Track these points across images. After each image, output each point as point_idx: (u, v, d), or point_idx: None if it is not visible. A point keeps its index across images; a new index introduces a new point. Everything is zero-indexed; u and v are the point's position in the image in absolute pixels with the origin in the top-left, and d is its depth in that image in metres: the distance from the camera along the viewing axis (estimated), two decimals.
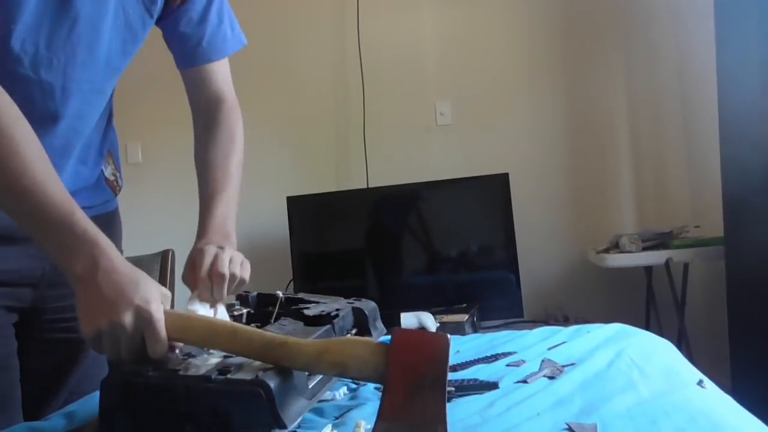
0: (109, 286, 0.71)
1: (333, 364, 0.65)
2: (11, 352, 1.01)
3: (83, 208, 1.04)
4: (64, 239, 0.73)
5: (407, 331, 0.67)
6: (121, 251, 1.21)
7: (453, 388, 0.81)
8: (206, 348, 0.73)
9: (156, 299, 0.72)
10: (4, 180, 0.74)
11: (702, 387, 0.77)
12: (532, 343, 1.09)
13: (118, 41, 0.98)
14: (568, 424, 0.64)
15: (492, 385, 0.84)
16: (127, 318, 0.69)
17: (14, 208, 0.76)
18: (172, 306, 2.05)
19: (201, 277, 0.90)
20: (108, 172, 1.15)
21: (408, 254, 2.76)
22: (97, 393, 0.94)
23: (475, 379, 0.88)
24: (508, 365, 0.96)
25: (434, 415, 0.60)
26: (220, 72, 1.20)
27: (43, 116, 0.92)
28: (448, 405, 0.61)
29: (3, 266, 0.97)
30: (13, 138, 0.74)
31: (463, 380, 0.88)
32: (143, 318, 0.70)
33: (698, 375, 0.83)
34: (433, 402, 0.60)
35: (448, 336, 0.63)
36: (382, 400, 0.62)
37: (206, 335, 0.72)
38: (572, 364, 0.91)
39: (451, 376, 0.78)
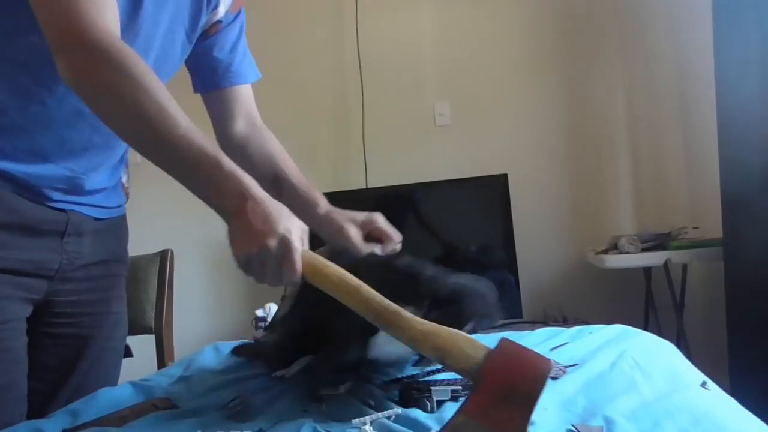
0: (257, 218, 0.78)
1: (435, 347, 0.67)
2: (22, 345, 1.01)
3: (103, 208, 1.06)
4: (215, 179, 0.81)
5: (515, 343, 0.66)
6: (127, 254, 1.26)
7: (460, 387, 0.81)
8: (328, 292, 0.77)
9: (297, 231, 0.79)
10: (160, 134, 0.81)
11: (705, 388, 0.77)
12: (534, 344, 1.09)
13: (163, 62, 1.04)
14: (574, 426, 0.64)
15: None
16: (273, 243, 0.76)
17: (169, 158, 0.83)
18: (172, 310, 2.04)
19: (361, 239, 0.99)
20: (125, 178, 1.19)
21: (407, 254, 2.75)
22: (100, 392, 0.94)
23: None
24: None
25: (515, 429, 0.59)
26: (249, 94, 1.29)
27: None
28: (455, 403, 0.65)
29: (22, 256, 0.98)
30: (158, 95, 0.81)
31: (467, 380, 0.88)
32: (285, 246, 0.76)
33: (701, 376, 0.83)
34: (520, 417, 0.60)
35: (552, 361, 0.63)
36: (469, 397, 0.63)
37: (333, 282, 0.77)
38: (575, 365, 0.91)
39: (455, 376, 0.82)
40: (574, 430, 0.64)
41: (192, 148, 0.82)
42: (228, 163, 0.82)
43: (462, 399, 0.74)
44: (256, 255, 0.78)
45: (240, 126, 1.26)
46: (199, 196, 0.84)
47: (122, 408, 0.85)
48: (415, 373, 0.93)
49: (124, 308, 1.23)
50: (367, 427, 0.70)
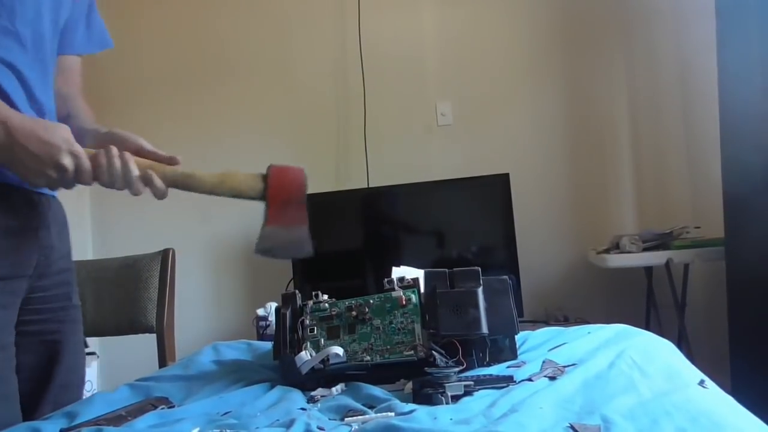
0: (33, 142, 0.85)
1: (231, 188, 0.97)
2: (11, 342, 1.01)
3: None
4: None
5: (277, 166, 0.97)
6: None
7: (472, 382, 0.84)
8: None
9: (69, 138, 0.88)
10: None
11: (703, 387, 0.77)
12: (534, 344, 1.09)
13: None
14: (571, 425, 0.64)
15: (507, 379, 0.87)
16: (66, 160, 0.86)
17: None
18: (173, 309, 2.03)
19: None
20: None
21: (408, 254, 2.76)
22: (96, 395, 0.95)
23: (490, 375, 0.91)
24: (508, 367, 0.96)
25: (300, 219, 0.94)
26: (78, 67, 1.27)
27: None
28: (466, 398, 0.77)
29: (8, 259, 0.99)
30: None
31: (479, 375, 0.90)
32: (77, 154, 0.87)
33: (699, 375, 0.83)
34: (298, 212, 0.94)
35: (304, 169, 0.96)
36: (265, 212, 0.94)
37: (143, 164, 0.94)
38: (573, 365, 0.91)
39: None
40: (572, 429, 0.64)
41: None
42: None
43: (475, 393, 0.81)
44: (57, 178, 0.86)
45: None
46: None
47: (119, 408, 0.86)
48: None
49: (79, 300, 1.21)
50: (359, 426, 0.70)
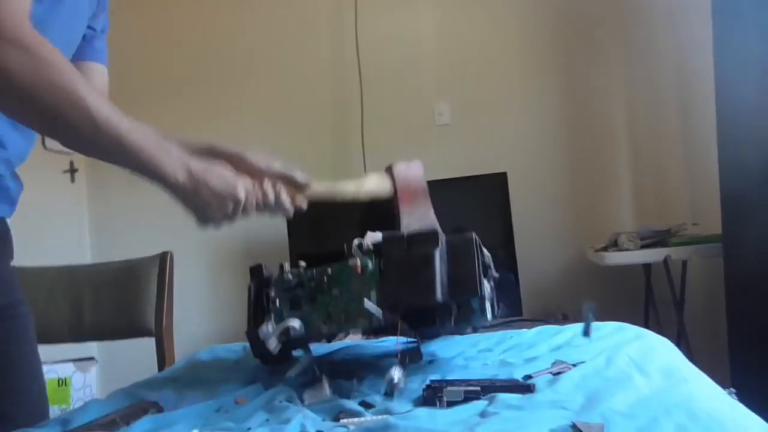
0: (214, 179, 0.88)
1: (368, 192, 1.07)
2: None
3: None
4: (157, 155, 0.85)
5: (400, 164, 1.09)
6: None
7: (479, 387, 0.81)
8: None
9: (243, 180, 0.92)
10: (91, 117, 0.80)
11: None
12: (531, 343, 1.09)
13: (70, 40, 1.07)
14: (574, 423, 0.64)
15: (527, 388, 0.82)
16: (242, 194, 0.90)
17: (97, 140, 0.83)
18: (172, 313, 2.03)
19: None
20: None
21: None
22: (89, 402, 0.94)
23: (512, 379, 0.87)
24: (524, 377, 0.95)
25: (427, 208, 1.06)
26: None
27: None
28: (472, 403, 0.77)
29: None
30: (78, 79, 0.81)
31: (494, 380, 0.87)
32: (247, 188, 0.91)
33: (697, 372, 0.83)
34: (425, 203, 1.06)
35: (420, 163, 1.10)
36: (397, 207, 1.05)
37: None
38: (576, 364, 0.91)
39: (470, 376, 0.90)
40: (575, 427, 0.63)
41: (129, 124, 0.83)
42: (161, 137, 0.86)
43: (476, 400, 0.78)
44: (229, 215, 0.89)
45: None
46: (141, 172, 0.87)
47: (110, 413, 0.86)
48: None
49: (27, 308, 1.16)
50: (354, 426, 0.71)
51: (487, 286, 0.93)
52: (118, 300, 1.91)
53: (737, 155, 2.15)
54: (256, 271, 1.03)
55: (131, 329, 1.90)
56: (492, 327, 2.53)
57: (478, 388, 0.81)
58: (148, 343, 1.88)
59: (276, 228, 2.81)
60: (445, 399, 0.78)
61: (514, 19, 2.92)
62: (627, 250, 2.42)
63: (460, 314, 0.92)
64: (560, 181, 2.86)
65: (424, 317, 0.91)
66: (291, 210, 0.97)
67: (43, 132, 0.92)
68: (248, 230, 3.00)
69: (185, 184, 0.86)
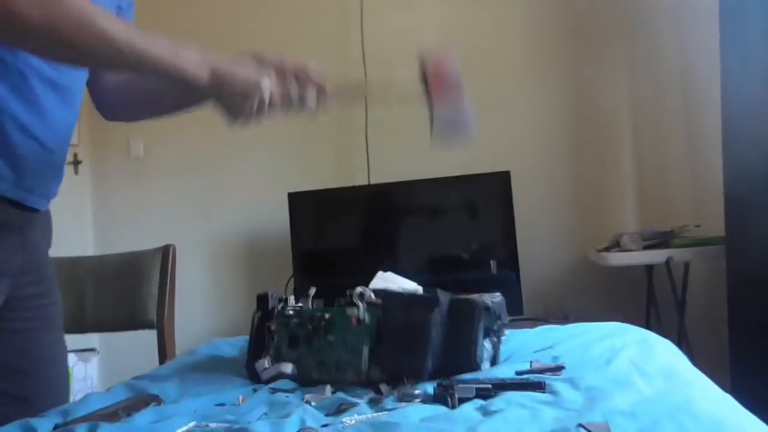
0: (242, 65, 0.91)
1: (398, 92, 1.03)
2: None
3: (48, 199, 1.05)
4: (180, 59, 0.86)
5: (431, 56, 1.03)
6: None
7: (490, 386, 0.81)
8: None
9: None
10: (125, 55, 0.82)
11: None
12: (530, 344, 1.09)
13: None
14: (581, 424, 0.64)
15: (538, 386, 0.81)
16: (266, 83, 0.91)
17: (149, 64, 0.85)
18: (173, 306, 2.03)
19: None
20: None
21: (408, 251, 2.76)
22: (89, 395, 0.95)
23: (524, 378, 0.86)
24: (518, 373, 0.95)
25: (462, 99, 1.02)
26: None
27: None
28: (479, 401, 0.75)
29: None
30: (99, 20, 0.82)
31: (504, 379, 0.86)
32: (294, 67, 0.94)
33: (697, 373, 0.83)
34: (458, 93, 1.02)
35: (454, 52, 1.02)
36: (431, 101, 1.03)
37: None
38: (563, 365, 0.91)
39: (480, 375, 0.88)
40: (582, 428, 0.63)
41: (146, 36, 0.84)
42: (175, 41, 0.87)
43: (489, 398, 0.78)
44: (256, 107, 0.89)
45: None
46: (169, 80, 0.88)
47: (110, 405, 0.86)
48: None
49: (59, 297, 1.19)
50: (355, 422, 0.71)
51: (487, 346, 0.92)
52: (120, 292, 1.92)
53: (742, 157, 2.14)
54: (261, 302, 1.03)
55: (133, 321, 1.91)
56: None
57: (490, 386, 0.80)
58: (150, 336, 1.88)
59: (279, 223, 2.81)
60: (456, 396, 0.78)
61: (519, 18, 2.92)
62: (629, 250, 2.42)
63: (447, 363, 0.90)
64: (563, 180, 2.85)
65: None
66: (315, 107, 0.96)
67: (68, 62, 0.94)
68: (250, 224, 3.00)
69: (209, 83, 0.88)
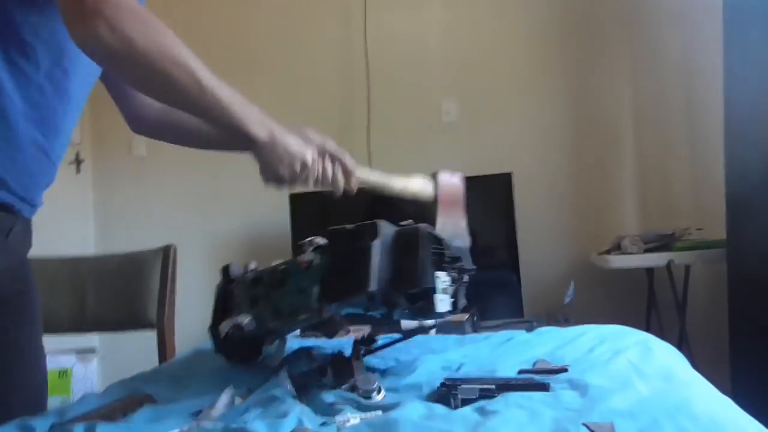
0: (293, 136, 0.97)
1: (413, 193, 1.10)
2: None
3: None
4: (248, 112, 0.94)
5: (444, 173, 1.12)
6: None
7: (493, 386, 0.80)
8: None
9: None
10: (201, 80, 0.89)
11: None
12: (529, 344, 1.09)
13: None
14: (585, 424, 0.64)
15: (542, 387, 0.81)
16: (310, 157, 0.97)
17: (207, 100, 0.91)
18: (174, 306, 2.02)
19: None
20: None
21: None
22: (87, 395, 0.95)
23: (529, 379, 0.86)
24: (520, 371, 0.95)
25: (461, 217, 1.12)
26: None
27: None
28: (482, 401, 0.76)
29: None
30: (183, 46, 0.89)
31: (509, 379, 0.86)
32: (334, 153, 1.00)
33: (696, 375, 0.83)
34: (460, 212, 1.12)
35: (462, 175, 1.14)
36: (437, 211, 1.09)
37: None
38: (566, 367, 0.91)
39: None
40: (587, 428, 0.63)
41: (224, 87, 0.92)
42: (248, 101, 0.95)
43: (491, 398, 0.77)
44: (296, 176, 0.95)
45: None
46: (231, 131, 0.94)
47: (106, 404, 0.86)
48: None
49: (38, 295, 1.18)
50: (350, 422, 0.71)
51: (444, 278, 0.91)
52: (120, 292, 1.92)
53: (744, 161, 2.14)
54: (224, 271, 1.05)
55: (133, 321, 1.91)
56: (493, 328, 2.53)
57: (493, 387, 0.80)
58: (150, 336, 1.88)
59: (280, 223, 2.81)
60: (459, 397, 0.78)
61: (522, 19, 2.92)
62: (630, 253, 2.42)
63: (411, 306, 0.90)
64: (565, 182, 2.85)
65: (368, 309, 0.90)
66: (341, 189, 1.03)
67: (152, 95, 0.99)
68: (251, 224, 3.00)
69: (265, 142, 0.94)
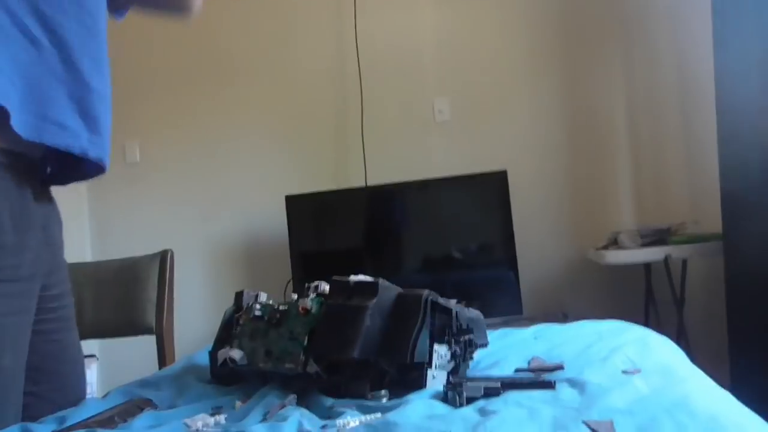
0: None
1: None
2: (26, 350, 1.00)
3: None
4: None
5: None
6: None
7: (499, 384, 0.80)
8: None
9: None
10: None
11: None
12: (528, 343, 1.09)
13: None
14: (585, 422, 0.64)
15: (548, 384, 0.80)
16: None
17: None
18: (172, 311, 2.01)
19: None
20: None
21: (407, 252, 2.76)
22: (88, 400, 0.94)
23: (534, 378, 0.85)
24: (516, 369, 0.95)
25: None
26: None
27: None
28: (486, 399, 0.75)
29: (25, 258, 0.96)
30: None
31: (514, 378, 0.85)
32: None
33: (695, 369, 0.83)
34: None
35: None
36: None
37: None
38: (561, 364, 0.91)
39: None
40: (587, 426, 0.63)
41: None
42: None
43: (497, 396, 0.76)
44: None
45: None
46: None
47: (105, 410, 0.86)
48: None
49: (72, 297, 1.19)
50: (350, 425, 0.71)
51: (443, 353, 0.86)
52: (118, 298, 1.92)
53: (738, 154, 2.14)
54: (237, 297, 1.04)
55: (132, 327, 1.91)
56: (492, 326, 2.53)
57: (498, 385, 0.79)
58: (149, 342, 1.88)
59: (277, 226, 2.81)
60: (465, 395, 0.77)
61: (515, 17, 2.92)
62: (627, 248, 2.42)
63: (401, 377, 0.84)
64: (560, 179, 2.86)
65: (351, 372, 0.84)
66: None
67: None
68: (249, 228, 3.00)
69: None
